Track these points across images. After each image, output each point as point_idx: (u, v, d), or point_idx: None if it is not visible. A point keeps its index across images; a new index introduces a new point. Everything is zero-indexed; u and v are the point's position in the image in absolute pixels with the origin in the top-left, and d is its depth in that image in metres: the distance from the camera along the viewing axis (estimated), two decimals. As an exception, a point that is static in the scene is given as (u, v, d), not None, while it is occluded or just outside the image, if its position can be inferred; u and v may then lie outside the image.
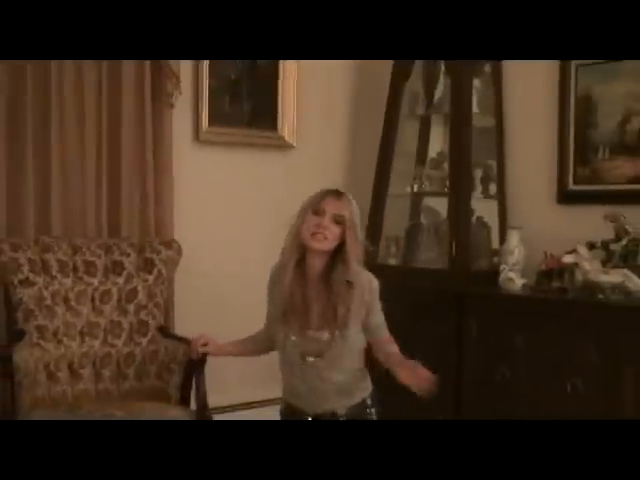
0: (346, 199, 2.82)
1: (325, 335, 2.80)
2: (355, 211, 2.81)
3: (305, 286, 2.84)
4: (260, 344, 3.05)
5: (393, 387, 2.67)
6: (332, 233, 2.76)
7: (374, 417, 2.94)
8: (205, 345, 3.05)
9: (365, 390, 2.96)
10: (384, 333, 2.90)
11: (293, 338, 2.84)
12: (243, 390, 3.36)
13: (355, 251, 2.80)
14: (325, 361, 2.81)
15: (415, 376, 2.67)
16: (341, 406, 2.89)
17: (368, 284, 2.86)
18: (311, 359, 2.83)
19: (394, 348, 2.87)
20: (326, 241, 2.76)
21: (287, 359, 2.88)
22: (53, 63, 3.80)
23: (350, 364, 2.89)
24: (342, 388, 2.88)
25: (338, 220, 2.77)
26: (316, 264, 2.82)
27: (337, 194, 2.83)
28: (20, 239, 3.64)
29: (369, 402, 2.95)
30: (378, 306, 2.89)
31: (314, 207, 2.79)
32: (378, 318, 2.88)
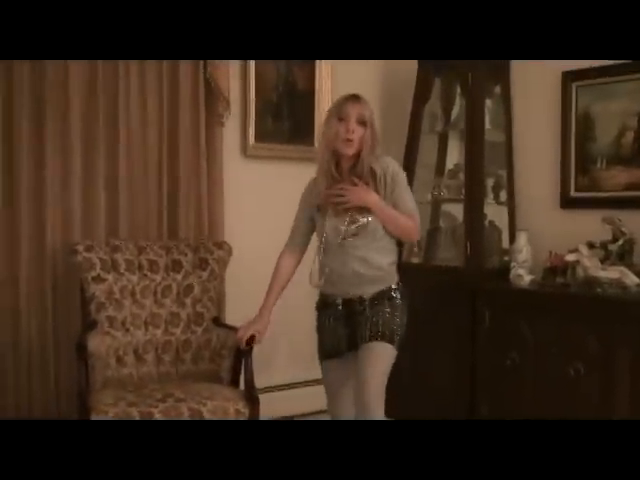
0: (363, 100, 2.84)
1: (360, 218, 2.81)
2: (373, 112, 2.84)
3: (339, 182, 2.85)
4: (291, 262, 3.02)
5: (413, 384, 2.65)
6: (357, 134, 2.79)
7: (398, 301, 2.89)
8: (252, 339, 3.01)
9: (392, 281, 2.91)
10: (410, 211, 2.88)
11: (333, 222, 2.83)
12: (288, 372, 3.36)
13: (374, 144, 2.83)
14: (362, 240, 2.81)
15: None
16: (368, 292, 2.86)
17: (386, 167, 2.87)
18: (350, 239, 2.81)
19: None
20: (354, 144, 2.79)
21: (328, 244, 2.86)
22: (121, 85, 3.84)
23: (384, 244, 2.87)
24: (377, 273, 2.84)
25: (361, 120, 2.79)
26: (345, 164, 2.85)
27: (355, 97, 2.84)
28: (93, 241, 3.67)
29: (394, 287, 2.91)
30: (402, 185, 2.88)
31: (339, 114, 2.81)
32: (405, 198, 2.87)
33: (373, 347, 2.82)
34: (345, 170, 2.87)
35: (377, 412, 2.74)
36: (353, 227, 2.82)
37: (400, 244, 3.01)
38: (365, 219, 2.82)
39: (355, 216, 2.83)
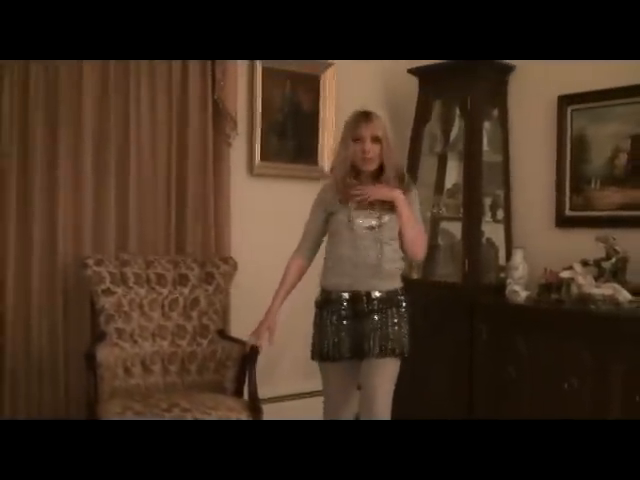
0: (375, 118, 2.87)
1: (381, 213, 2.82)
2: (385, 125, 2.89)
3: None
4: (299, 265, 2.99)
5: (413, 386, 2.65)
6: (374, 152, 2.82)
7: (403, 305, 2.86)
8: (259, 344, 2.99)
9: (398, 283, 2.89)
10: (422, 226, 2.94)
11: (354, 213, 2.82)
12: (291, 382, 3.34)
13: (392, 156, 2.88)
14: (379, 233, 2.81)
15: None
16: (376, 288, 2.81)
17: (408, 180, 2.94)
18: (367, 231, 2.81)
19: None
20: (373, 160, 2.83)
21: (343, 233, 2.83)
22: (132, 107, 3.86)
23: (397, 247, 2.87)
24: (388, 268, 2.82)
25: (375, 139, 2.82)
26: (367, 178, 2.87)
27: (367, 117, 2.87)
28: (103, 255, 3.68)
29: (400, 292, 2.89)
30: (417, 204, 2.94)
31: (353, 135, 2.84)
32: (418, 215, 2.91)
33: (384, 363, 2.79)
34: (369, 182, 2.88)
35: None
36: (374, 221, 2.83)
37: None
38: (386, 216, 2.84)
39: (377, 211, 2.84)
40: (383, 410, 2.75)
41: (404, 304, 2.87)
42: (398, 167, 2.95)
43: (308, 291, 2.97)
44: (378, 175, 2.88)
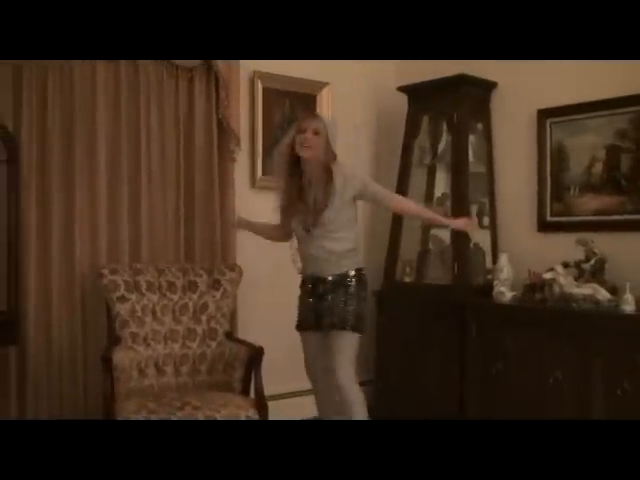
0: (320, 117, 3.18)
1: (317, 213, 3.04)
2: (328, 124, 3.08)
3: (300, 185, 3.11)
4: (278, 232, 3.30)
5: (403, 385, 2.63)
6: (313, 142, 3.04)
7: (352, 287, 3.11)
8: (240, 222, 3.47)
9: (350, 267, 3.14)
10: (389, 195, 3.23)
11: (298, 218, 3.10)
12: (294, 381, 3.34)
13: (326, 151, 3.05)
14: (321, 230, 3.06)
15: (460, 223, 3.19)
16: (331, 273, 3.12)
17: (344, 171, 3.09)
18: (312, 231, 3.08)
19: (410, 203, 3.30)
20: (310, 149, 3.05)
21: (299, 235, 3.15)
22: (142, 133, 3.86)
23: (342, 234, 3.10)
24: (334, 258, 3.10)
25: (316, 132, 3.04)
26: (312, 171, 3.08)
27: (314, 114, 3.31)
28: (117, 265, 3.67)
29: (351, 274, 3.13)
30: (366, 181, 3.16)
31: (298, 127, 3.09)
32: (374, 189, 3.14)
33: (334, 336, 3.08)
34: (313, 178, 3.09)
35: (351, 392, 3.04)
36: (312, 220, 3.08)
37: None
38: (321, 213, 3.06)
39: (313, 211, 3.08)
40: (346, 384, 3.03)
41: (354, 284, 3.12)
42: (331, 160, 3.08)
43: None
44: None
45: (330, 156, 3.08)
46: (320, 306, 3.15)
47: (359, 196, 3.12)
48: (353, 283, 3.12)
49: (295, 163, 3.11)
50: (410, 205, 3.37)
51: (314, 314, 3.18)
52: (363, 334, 3.15)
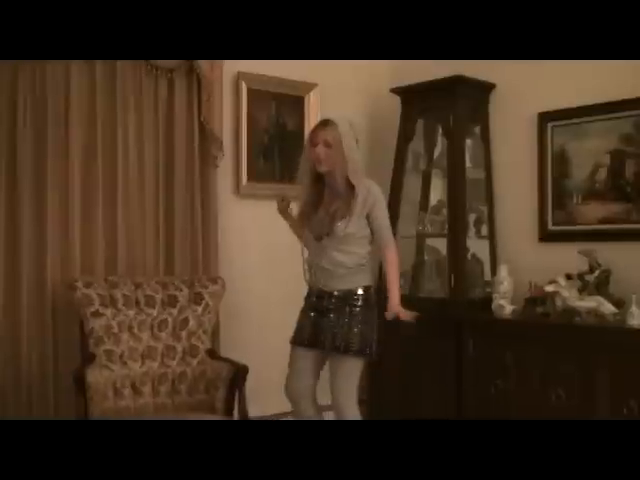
0: (330, 125, 3.05)
1: (332, 223, 3.05)
2: (342, 132, 3.02)
3: (322, 194, 3.13)
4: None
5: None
6: (325, 155, 3.02)
7: (358, 305, 3.08)
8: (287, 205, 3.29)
9: (357, 283, 3.11)
10: (386, 235, 3.12)
11: (312, 226, 3.11)
12: (280, 401, 3.33)
13: (343, 161, 3.02)
14: (332, 241, 3.05)
15: (395, 310, 3.08)
16: (337, 288, 3.09)
17: (366, 188, 3.06)
18: (324, 240, 3.07)
19: (393, 267, 3.12)
20: (324, 163, 3.04)
21: (310, 244, 3.15)
22: (119, 133, 3.84)
23: (353, 249, 3.09)
24: (342, 271, 3.07)
25: (327, 144, 3.02)
26: (333, 183, 3.09)
27: (323, 123, 3.09)
28: (92, 278, 3.64)
29: (359, 292, 3.10)
30: (381, 206, 3.11)
31: (309, 141, 3.09)
32: (381, 216, 3.10)
33: (337, 360, 3.08)
34: (335, 190, 3.11)
35: (349, 412, 3.07)
36: (326, 229, 3.08)
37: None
38: (336, 224, 3.05)
39: (328, 221, 3.08)
40: (345, 406, 3.07)
41: (360, 304, 3.09)
42: (351, 172, 3.04)
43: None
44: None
45: (350, 165, 3.03)
46: (320, 322, 3.12)
47: (367, 212, 3.08)
48: (359, 303, 3.09)
49: (318, 172, 3.11)
50: (391, 268, 3.13)
51: (313, 329, 3.15)
52: (372, 359, 3.15)
